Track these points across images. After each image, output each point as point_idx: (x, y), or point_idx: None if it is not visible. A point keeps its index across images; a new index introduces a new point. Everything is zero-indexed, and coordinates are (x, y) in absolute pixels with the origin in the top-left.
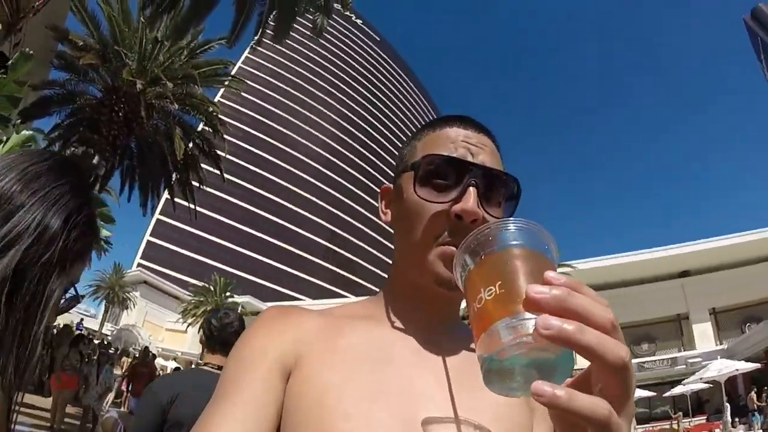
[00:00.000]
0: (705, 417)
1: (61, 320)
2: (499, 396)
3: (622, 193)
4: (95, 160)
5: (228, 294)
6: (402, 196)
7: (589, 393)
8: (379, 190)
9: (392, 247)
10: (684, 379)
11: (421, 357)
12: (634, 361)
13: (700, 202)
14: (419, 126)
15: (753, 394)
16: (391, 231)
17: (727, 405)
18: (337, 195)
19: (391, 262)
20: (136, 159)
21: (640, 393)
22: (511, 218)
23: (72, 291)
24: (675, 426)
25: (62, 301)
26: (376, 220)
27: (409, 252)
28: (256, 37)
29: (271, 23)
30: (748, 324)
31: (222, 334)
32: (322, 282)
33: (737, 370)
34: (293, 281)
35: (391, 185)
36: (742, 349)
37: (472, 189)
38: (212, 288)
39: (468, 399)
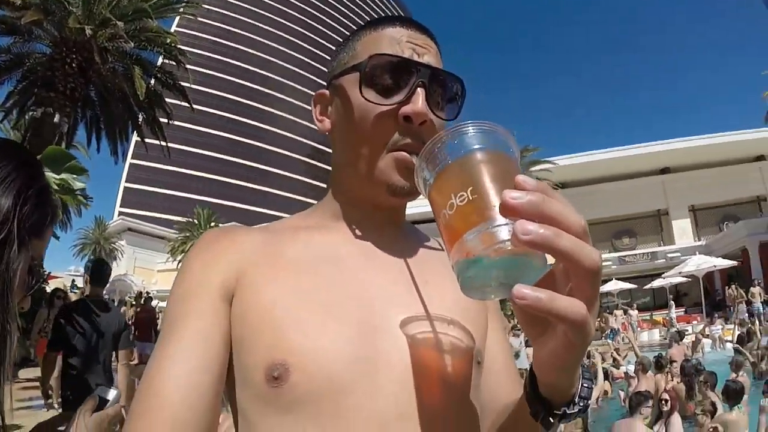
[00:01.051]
0: (683, 309)
1: (53, 284)
2: (455, 291)
3: (605, 91)
4: (56, 119)
5: (213, 224)
6: (344, 101)
7: (559, 293)
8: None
9: None
10: (663, 273)
11: (369, 259)
12: (616, 254)
13: (684, 101)
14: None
15: (731, 290)
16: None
17: None
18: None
19: None
20: (98, 108)
21: (621, 285)
22: (471, 121)
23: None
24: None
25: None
26: None
27: (355, 159)
28: None
29: None
30: (726, 222)
31: None
32: (307, 199)
33: (715, 266)
34: (277, 202)
35: (326, 91)
36: (720, 247)
37: (420, 90)
38: (196, 221)
39: (427, 299)
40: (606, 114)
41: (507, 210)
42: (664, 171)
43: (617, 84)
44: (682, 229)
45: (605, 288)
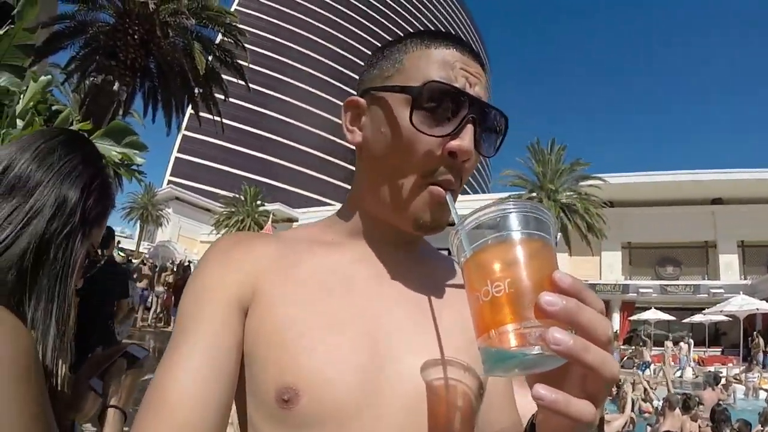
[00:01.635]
0: (720, 349)
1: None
2: (463, 323)
3: (661, 107)
4: (115, 87)
5: (258, 203)
6: (387, 120)
7: (569, 382)
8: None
9: None
10: (705, 308)
11: (383, 284)
12: (658, 282)
13: (742, 130)
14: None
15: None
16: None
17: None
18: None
19: None
20: (156, 79)
21: (660, 315)
22: (515, 201)
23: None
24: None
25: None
26: None
27: (386, 183)
28: None
29: None
30: None
31: None
32: (347, 184)
33: (758, 309)
34: (321, 186)
35: (360, 99)
36: (766, 288)
37: (469, 126)
38: (243, 198)
39: (437, 326)
40: (662, 136)
41: (541, 313)
42: (716, 201)
43: (678, 107)
44: (729, 265)
45: (643, 316)
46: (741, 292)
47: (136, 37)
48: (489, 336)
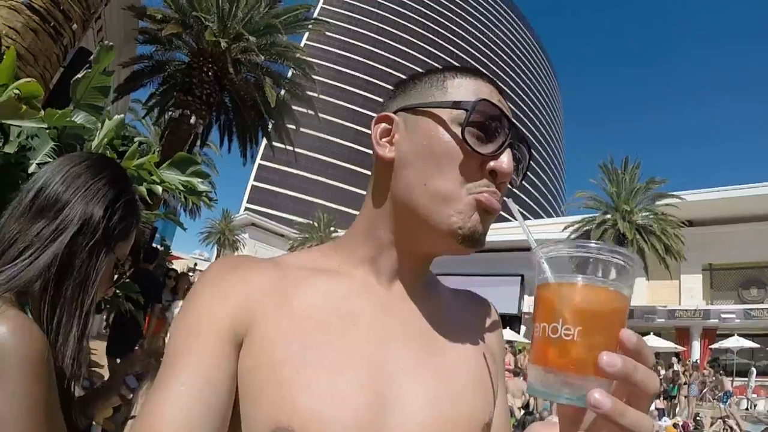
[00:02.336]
0: None
1: (178, 265)
2: (468, 362)
3: (740, 124)
4: (192, 120)
5: (332, 229)
6: (432, 134)
7: None
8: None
9: None
10: None
11: (389, 319)
12: (741, 306)
13: None
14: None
15: None
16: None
17: None
18: None
19: None
20: (231, 112)
21: (743, 343)
22: (613, 248)
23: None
24: None
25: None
26: None
27: (428, 197)
28: None
29: None
30: None
31: None
32: None
33: None
34: None
35: (393, 115)
36: None
37: (509, 150)
38: (316, 224)
39: (442, 366)
40: (742, 147)
41: (599, 370)
42: None
43: (755, 117)
44: None
45: (724, 344)
46: None
47: (210, 74)
48: (546, 369)
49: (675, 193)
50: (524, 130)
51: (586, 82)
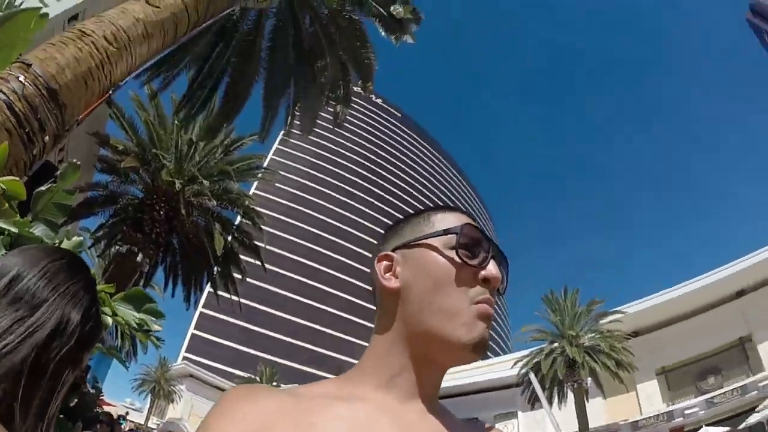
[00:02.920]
0: None
1: (106, 410)
2: None
3: (663, 228)
4: (139, 258)
5: (274, 383)
6: (429, 259)
7: None
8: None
9: None
10: (758, 406)
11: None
12: (702, 398)
13: (749, 219)
14: (444, 193)
15: None
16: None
17: None
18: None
19: None
20: (178, 255)
21: (714, 431)
22: None
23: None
24: None
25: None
26: None
27: (437, 314)
28: (283, 132)
29: (297, 114)
30: None
31: None
32: (364, 342)
33: None
34: (338, 366)
35: (391, 253)
36: None
37: (493, 261)
38: (258, 378)
39: None
40: (668, 250)
41: None
42: (740, 294)
43: (676, 217)
44: None
45: None
46: None
47: (161, 212)
48: None
49: (616, 308)
50: None
51: (517, 219)
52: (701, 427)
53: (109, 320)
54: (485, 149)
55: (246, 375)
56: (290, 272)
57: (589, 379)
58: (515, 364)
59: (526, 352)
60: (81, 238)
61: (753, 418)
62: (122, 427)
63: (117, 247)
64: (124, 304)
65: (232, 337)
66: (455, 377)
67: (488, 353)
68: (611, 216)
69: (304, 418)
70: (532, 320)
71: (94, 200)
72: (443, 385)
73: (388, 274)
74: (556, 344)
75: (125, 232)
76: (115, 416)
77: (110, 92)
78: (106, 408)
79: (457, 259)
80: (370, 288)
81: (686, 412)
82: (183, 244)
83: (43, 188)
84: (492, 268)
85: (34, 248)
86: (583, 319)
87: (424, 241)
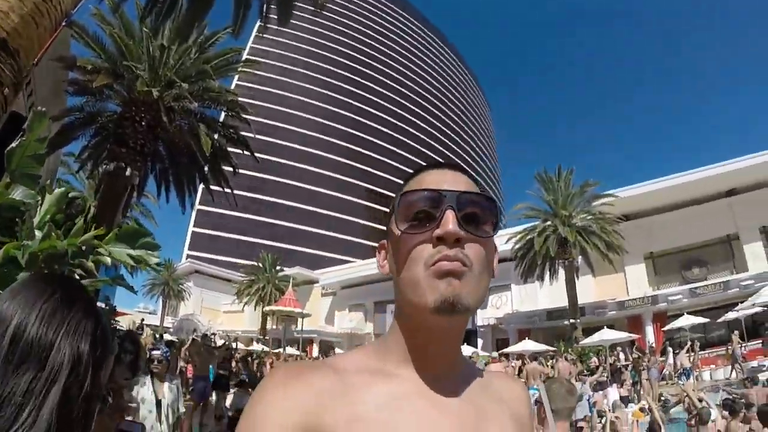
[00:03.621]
0: (761, 341)
1: (125, 322)
2: None
3: (661, 115)
4: (128, 172)
5: (278, 268)
6: (391, 240)
7: None
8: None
9: None
10: (738, 303)
11: (443, 416)
12: (686, 287)
13: (748, 117)
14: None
15: None
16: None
17: None
18: (369, 153)
19: None
20: (167, 161)
21: (693, 320)
22: None
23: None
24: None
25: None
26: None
27: (403, 286)
28: (257, 25)
29: (273, 8)
30: None
31: None
32: (366, 241)
33: None
34: (338, 245)
35: (383, 242)
36: None
37: (449, 213)
38: (261, 265)
39: None
40: (666, 139)
41: None
42: (731, 193)
43: (674, 108)
44: (755, 254)
45: (677, 324)
46: None
47: (143, 123)
48: None
49: (609, 192)
50: (459, 150)
51: (514, 98)
52: (683, 314)
53: (108, 259)
54: (480, 29)
55: (249, 263)
56: (283, 158)
57: (580, 257)
58: (509, 240)
59: (519, 228)
60: (64, 188)
61: (731, 315)
62: (141, 335)
63: (104, 166)
64: (119, 244)
65: (232, 228)
66: None
67: None
68: (611, 103)
69: (352, 401)
70: (524, 198)
71: (72, 125)
72: None
73: (383, 262)
74: (549, 222)
75: (110, 150)
76: (131, 324)
77: (63, 23)
78: (121, 318)
79: (406, 233)
80: (312, 187)
81: (670, 298)
82: (170, 150)
83: (13, 145)
84: (444, 226)
85: (24, 289)
86: (577, 199)
87: (390, 226)
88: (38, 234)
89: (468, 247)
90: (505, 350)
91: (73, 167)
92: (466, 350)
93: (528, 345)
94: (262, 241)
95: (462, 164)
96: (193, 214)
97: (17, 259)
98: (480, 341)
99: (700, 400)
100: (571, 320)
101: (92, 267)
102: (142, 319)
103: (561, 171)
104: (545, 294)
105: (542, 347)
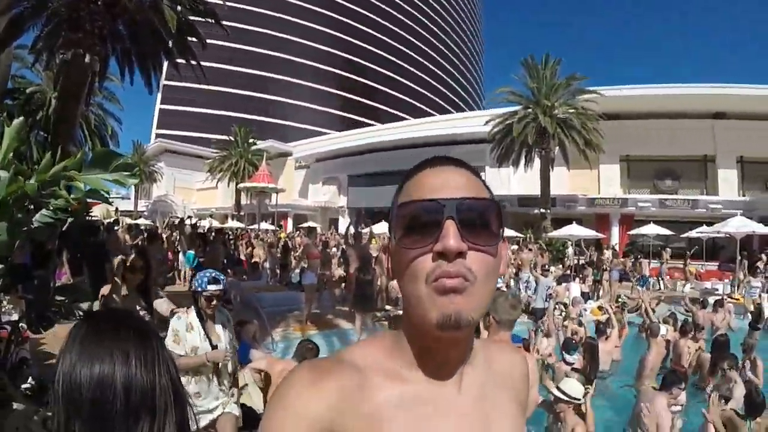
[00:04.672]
0: (717, 264)
1: (98, 211)
2: (509, 426)
3: (661, 21)
4: (87, 59)
5: (251, 141)
6: (392, 249)
7: None
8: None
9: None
10: (703, 223)
11: (451, 416)
12: (657, 196)
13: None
14: None
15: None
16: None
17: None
18: (347, 20)
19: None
20: (128, 41)
21: (658, 230)
22: None
23: None
24: (689, 268)
25: None
26: (396, 44)
27: (407, 299)
28: None
29: None
30: None
31: None
32: (340, 111)
33: (754, 231)
34: (312, 115)
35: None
36: (764, 207)
37: (449, 223)
38: (234, 140)
39: None
40: (660, 49)
41: None
42: (717, 116)
43: (676, 17)
44: (727, 180)
45: (642, 230)
46: (739, 213)
47: (99, 3)
48: None
49: (594, 88)
50: (441, 21)
51: None
52: (649, 222)
53: (81, 185)
54: None
55: (221, 137)
56: (253, 26)
57: (557, 149)
58: (488, 122)
59: (499, 111)
60: (20, 119)
61: (694, 232)
62: (117, 231)
63: (62, 55)
64: (93, 170)
65: (201, 103)
66: (427, 127)
67: (462, 106)
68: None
69: (369, 400)
70: (509, 83)
71: (21, 16)
72: (414, 135)
73: (389, 265)
74: (530, 110)
75: (64, 37)
76: (105, 212)
77: None
78: (95, 207)
79: (403, 249)
80: (282, 55)
81: (639, 204)
82: (131, 29)
83: None
84: (444, 240)
85: (90, 341)
86: (561, 91)
87: (390, 233)
88: (3, 175)
89: (471, 257)
90: None
91: (28, 60)
92: None
93: None
94: (235, 114)
95: (461, 160)
96: (160, 91)
97: None
98: None
99: (654, 311)
100: (542, 210)
101: (65, 195)
102: (116, 208)
103: (548, 59)
104: (518, 180)
105: (511, 233)
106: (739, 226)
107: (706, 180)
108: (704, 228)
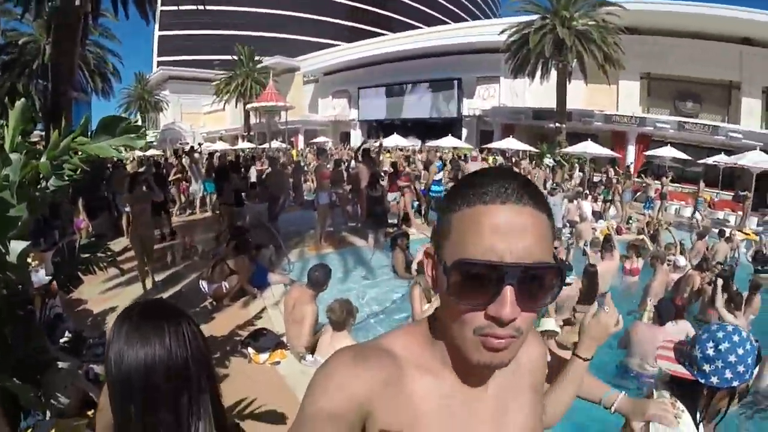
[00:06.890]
0: (732, 194)
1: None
2: (525, 418)
3: None
4: (77, 2)
5: (256, 59)
6: (439, 282)
7: None
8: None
9: None
10: (722, 151)
11: (474, 414)
12: (676, 118)
13: None
14: None
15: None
16: None
17: None
18: None
19: None
20: None
21: (675, 153)
22: None
23: None
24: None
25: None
26: None
27: (451, 331)
28: None
29: None
30: None
31: None
32: (348, 22)
33: None
34: (318, 27)
35: (432, 248)
36: None
37: (509, 290)
38: (239, 59)
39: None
40: None
41: None
42: (746, 41)
43: None
44: (751, 109)
45: (659, 152)
46: (759, 147)
47: None
48: None
49: (616, 0)
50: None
51: None
52: (667, 144)
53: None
54: None
55: (226, 57)
56: None
57: (575, 62)
58: (503, 32)
59: (516, 20)
60: (23, 100)
61: (710, 159)
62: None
63: (50, 2)
64: (100, 137)
65: (202, 24)
66: (441, 36)
67: (477, 14)
68: None
69: (405, 393)
70: None
71: None
72: (426, 44)
73: (431, 272)
74: (547, 20)
75: None
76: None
77: None
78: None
79: (458, 302)
80: None
81: (658, 124)
82: None
83: None
84: (501, 307)
85: (132, 329)
86: (580, 2)
87: (438, 252)
88: (14, 158)
89: (522, 317)
90: (488, 145)
91: (16, 12)
92: (450, 142)
93: (511, 143)
94: (238, 32)
95: (525, 181)
96: (157, 19)
97: (4, 198)
98: (465, 131)
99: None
100: (557, 123)
101: (76, 161)
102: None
103: None
104: (533, 92)
105: (525, 147)
106: (756, 160)
107: (729, 106)
108: (722, 156)
